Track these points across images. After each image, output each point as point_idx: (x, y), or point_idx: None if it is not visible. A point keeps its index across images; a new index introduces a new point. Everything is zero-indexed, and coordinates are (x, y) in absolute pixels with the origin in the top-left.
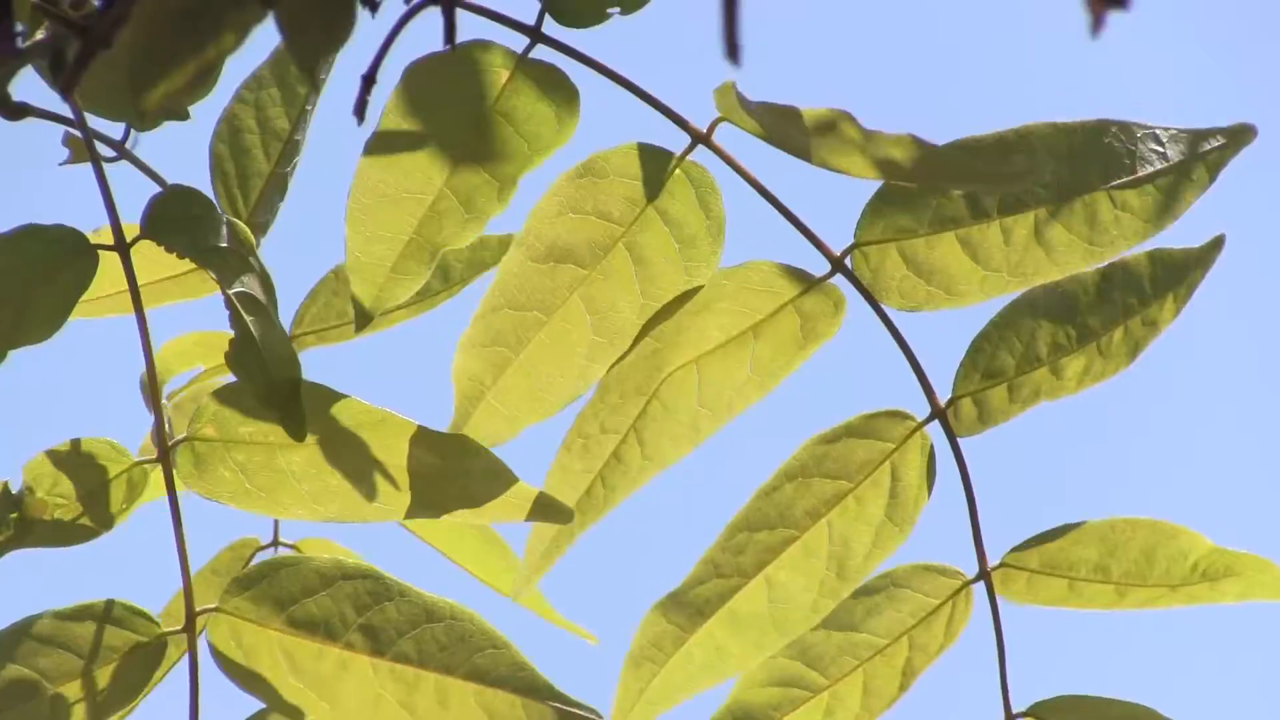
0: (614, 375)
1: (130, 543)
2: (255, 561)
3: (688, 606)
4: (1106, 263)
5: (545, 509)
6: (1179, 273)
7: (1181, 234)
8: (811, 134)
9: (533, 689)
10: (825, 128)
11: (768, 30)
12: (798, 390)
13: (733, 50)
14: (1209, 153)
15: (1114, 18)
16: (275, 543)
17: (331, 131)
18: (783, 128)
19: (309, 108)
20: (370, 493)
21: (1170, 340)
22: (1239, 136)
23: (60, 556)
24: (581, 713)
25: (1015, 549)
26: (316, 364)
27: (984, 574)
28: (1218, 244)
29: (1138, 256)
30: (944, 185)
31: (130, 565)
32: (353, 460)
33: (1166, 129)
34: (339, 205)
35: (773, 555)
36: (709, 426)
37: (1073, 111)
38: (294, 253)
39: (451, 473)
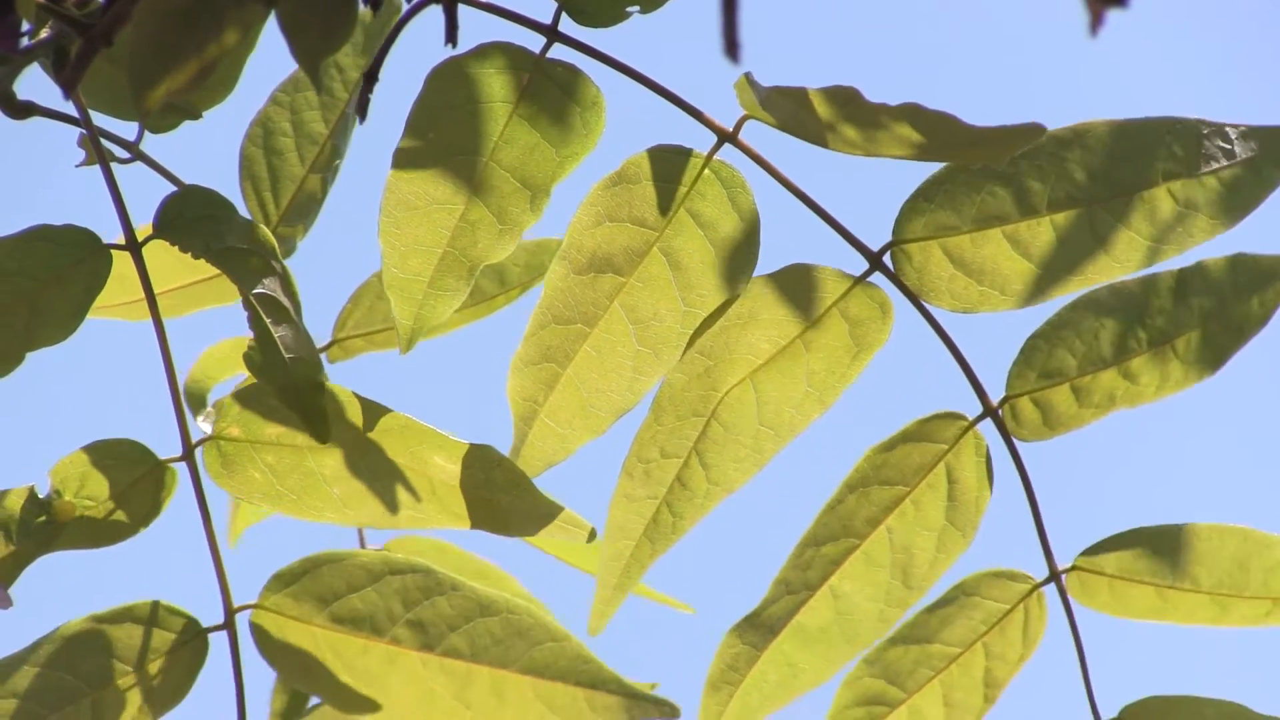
0: (667, 395)
1: (167, 544)
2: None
3: (761, 627)
4: (1179, 263)
5: (566, 525)
6: (1263, 279)
7: (1256, 236)
8: (823, 116)
9: (597, 681)
10: (834, 108)
11: (768, 30)
12: (849, 393)
13: (732, 48)
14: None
15: (1113, 16)
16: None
17: (382, 137)
18: (797, 114)
19: (349, 111)
20: (394, 499)
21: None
22: None
23: (94, 560)
24: (652, 703)
25: (1086, 551)
26: (368, 369)
27: (1054, 576)
28: None
29: (1216, 261)
30: (955, 159)
31: (166, 567)
32: (378, 466)
33: (1235, 125)
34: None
35: (836, 566)
36: (772, 446)
37: (1072, 111)
38: (339, 255)
39: (474, 483)
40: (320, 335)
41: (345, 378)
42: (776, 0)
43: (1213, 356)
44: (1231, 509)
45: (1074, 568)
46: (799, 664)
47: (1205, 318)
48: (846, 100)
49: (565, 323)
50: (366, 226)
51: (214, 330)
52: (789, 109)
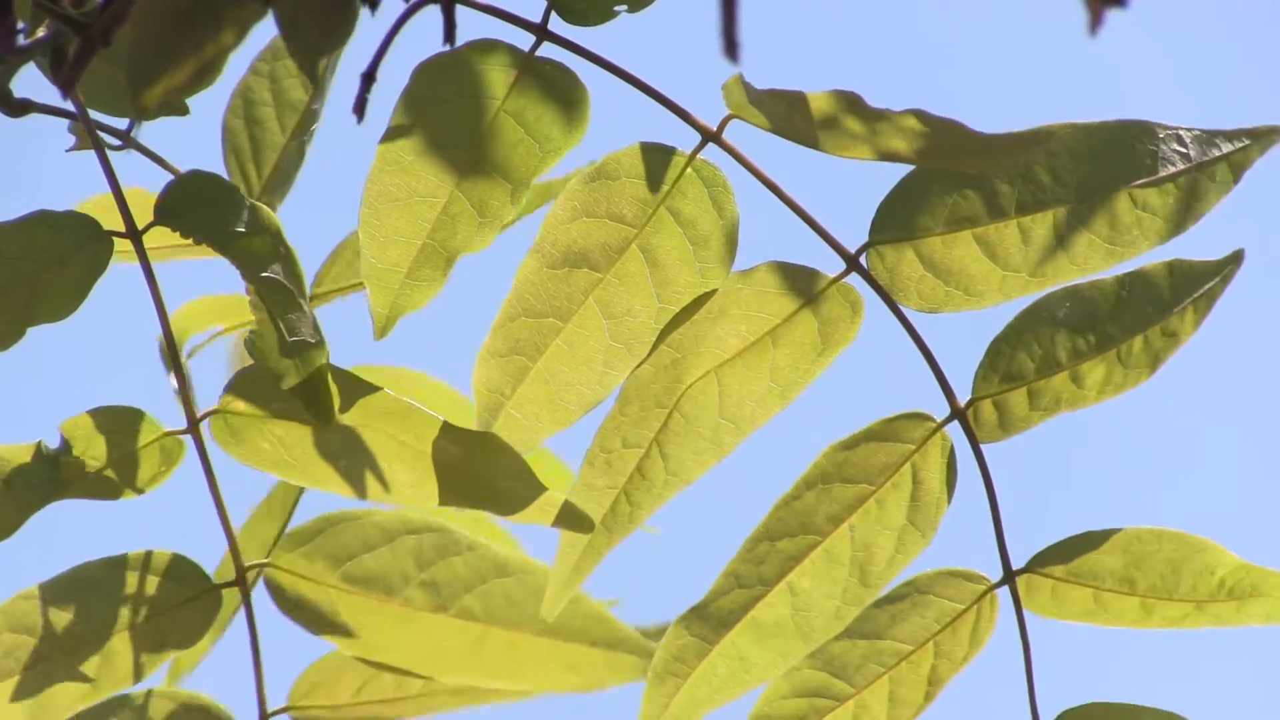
0: (633, 386)
1: (165, 507)
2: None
3: (710, 619)
4: (1128, 266)
5: (569, 517)
6: (1197, 284)
7: (1209, 237)
8: (819, 121)
9: (614, 641)
10: (833, 113)
11: (767, 28)
12: (814, 390)
13: (731, 48)
14: (1232, 153)
15: (1112, 16)
16: None
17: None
18: (790, 117)
19: (326, 74)
20: (396, 477)
21: (1193, 347)
22: (1264, 137)
23: (97, 521)
24: None
25: (1040, 554)
26: (343, 319)
27: (1009, 578)
28: (1237, 257)
29: (1156, 266)
30: (956, 165)
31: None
32: (382, 445)
33: (1190, 129)
34: (362, 169)
35: (795, 563)
36: (731, 440)
37: (1071, 109)
38: (316, 216)
39: (477, 466)
40: None
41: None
42: (776, 0)
43: (1150, 360)
44: (1185, 510)
45: (1026, 569)
46: (751, 658)
47: (1146, 322)
48: (849, 105)
49: (537, 316)
50: (341, 182)
51: (194, 282)
52: (783, 111)
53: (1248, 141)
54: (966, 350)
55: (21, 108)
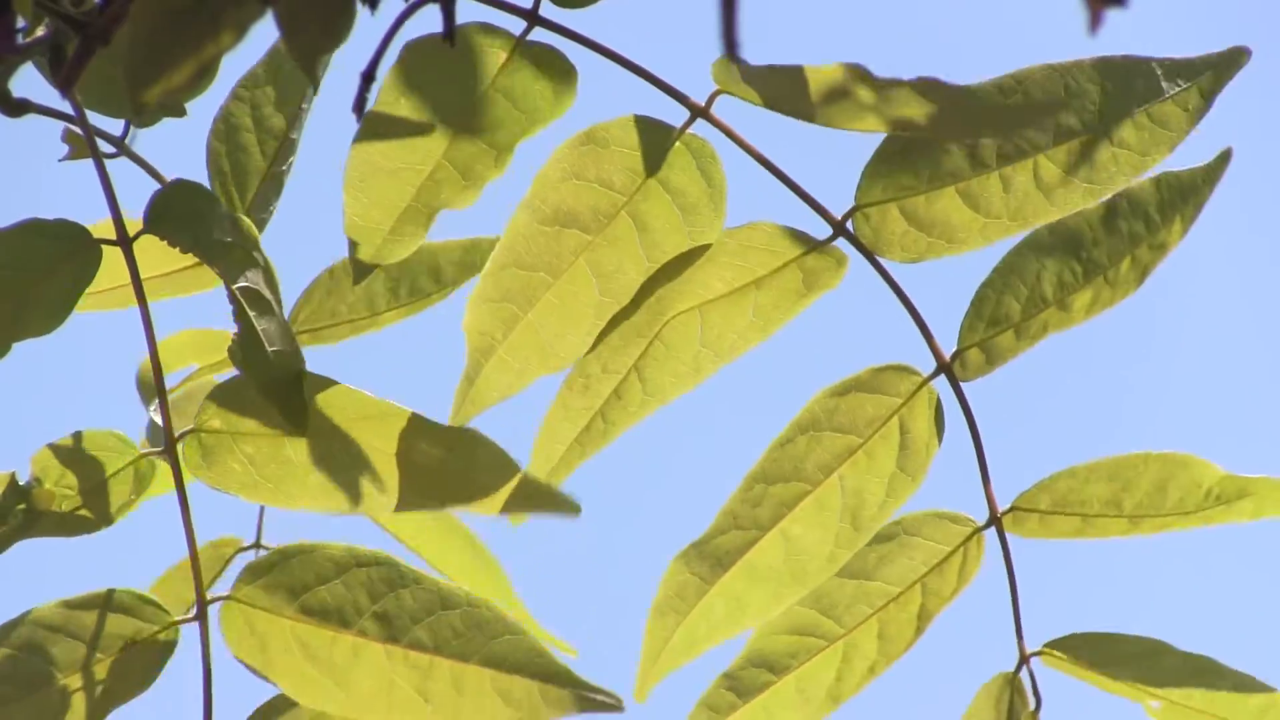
0: (616, 321)
1: (129, 535)
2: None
3: (709, 557)
4: (1109, 197)
5: (550, 500)
6: (1186, 193)
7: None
8: (817, 95)
9: (551, 675)
10: (835, 87)
11: (767, 25)
12: (808, 352)
13: (731, 45)
14: (1203, 79)
15: (1112, 15)
16: (257, 544)
17: (328, 128)
18: (785, 92)
19: (305, 106)
20: (373, 485)
21: (1179, 275)
22: (1232, 60)
23: (61, 549)
24: (600, 698)
25: (1025, 493)
26: (311, 363)
27: (995, 519)
28: (1225, 158)
29: (1143, 184)
30: (965, 136)
31: (130, 557)
32: (356, 452)
33: (1161, 60)
34: (334, 203)
35: (788, 509)
36: (710, 366)
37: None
38: (289, 251)
39: (456, 465)
40: None
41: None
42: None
43: (1138, 275)
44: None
45: (1012, 508)
46: (746, 599)
47: (1134, 241)
48: (857, 77)
49: (528, 269)
50: (319, 215)
51: (172, 319)
52: (778, 86)
53: (1218, 65)
54: (955, 302)
55: (20, 107)
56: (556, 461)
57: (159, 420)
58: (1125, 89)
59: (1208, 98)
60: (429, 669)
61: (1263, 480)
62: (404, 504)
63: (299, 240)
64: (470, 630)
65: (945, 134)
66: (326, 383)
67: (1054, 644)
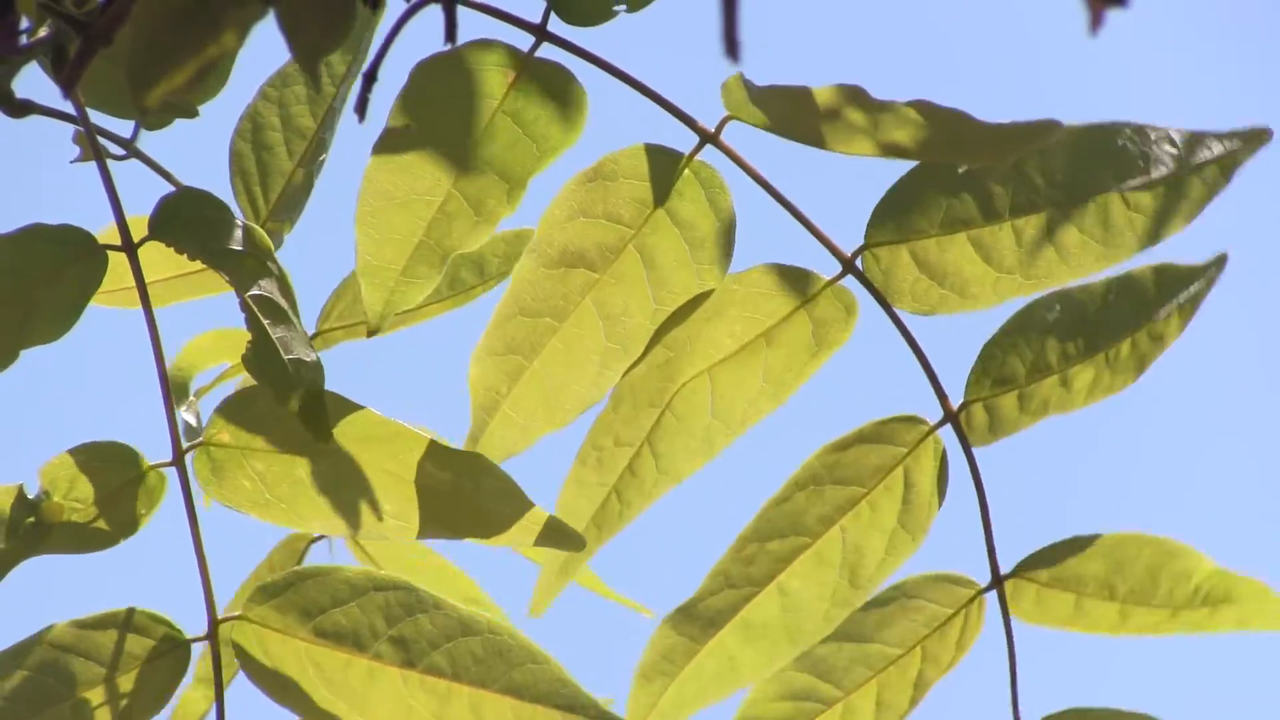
0: (627, 385)
1: (170, 549)
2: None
3: (699, 619)
4: (1120, 267)
5: (556, 534)
6: (1182, 286)
7: (1199, 239)
8: (821, 117)
9: (575, 705)
10: (835, 106)
11: (768, 28)
12: (808, 392)
13: (732, 48)
14: (1223, 154)
15: (1113, 15)
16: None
17: (366, 127)
18: (791, 115)
19: (336, 105)
20: (385, 508)
21: (1184, 347)
22: (1255, 138)
23: (85, 563)
24: None
25: (1026, 559)
26: (345, 358)
27: (997, 582)
28: (1220, 261)
29: (1143, 270)
30: (958, 160)
31: (149, 570)
32: (367, 474)
33: (1181, 131)
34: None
35: (785, 564)
36: (722, 439)
37: (1072, 109)
38: (322, 248)
39: (464, 490)
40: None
41: (326, 366)
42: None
43: (1137, 364)
44: (1171, 512)
45: (1014, 574)
46: (739, 659)
47: (1132, 325)
48: (852, 97)
49: (533, 315)
50: (348, 219)
51: (200, 319)
52: (784, 108)
53: (1239, 142)
54: (958, 352)
55: (23, 109)
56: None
57: (193, 422)
58: (1145, 154)
59: (1227, 173)
60: (447, 695)
61: (1250, 585)
62: (411, 529)
63: (334, 237)
64: (491, 657)
65: (937, 157)
66: (341, 402)
67: (1050, 719)
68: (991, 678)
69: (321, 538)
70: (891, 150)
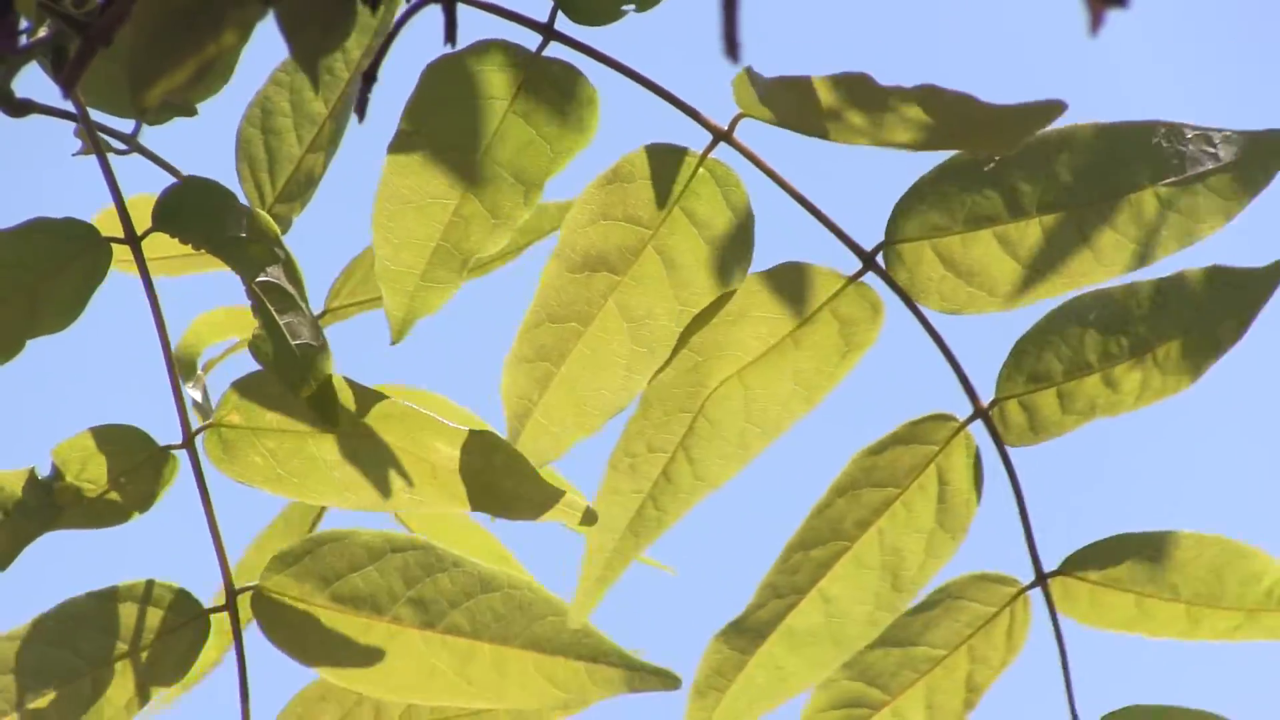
0: (656, 391)
1: (161, 524)
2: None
3: (748, 632)
4: (1157, 268)
5: (565, 507)
6: (1239, 292)
7: (1241, 239)
8: (827, 107)
9: (599, 654)
10: (841, 96)
11: (768, 28)
12: (836, 394)
13: (732, 48)
14: (1262, 153)
15: (1113, 16)
16: None
17: (378, 109)
18: (798, 108)
19: (350, 91)
20: (393, 484)
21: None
22: None
23: (92, 541)
24: (654, 676)
25: (1071, 556)
26: (357, 331)
27: (1040, 579)
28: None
29: (1194, 271)
30: (964, 147)
31: (162, 547)
32: (378, 451)
33: (1220, 130)
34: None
35: (825, 570)
36: (758, 444)
37: (1071, 111)
38: (332, 225)
39: (473, 466)
40: (312, 305)
41: (335, 341)
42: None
43: (1192, 367)
44: (1222, 516)
45: (1059, 572)
46: (787, 668)
47: (1185, 328)
48: (856, 85)
49: (560, 321)
50: (359, 196)
51: (208, 291)
52: (791, 102)
53: (1277, 141)
54: (992, 351)
55: (23, 108)
56: (610, 552)
57: (199, 399)
58: (1181, 153)
59: (1270, 173)
60: (469, 652)
61: None
62: (422, 504)
63: (343, 217)
64: (512, 612)
65: (943, 145)
66: (350, 383)
67: (1110, 717)
68: (1051, 679)
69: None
70: (898, 139)
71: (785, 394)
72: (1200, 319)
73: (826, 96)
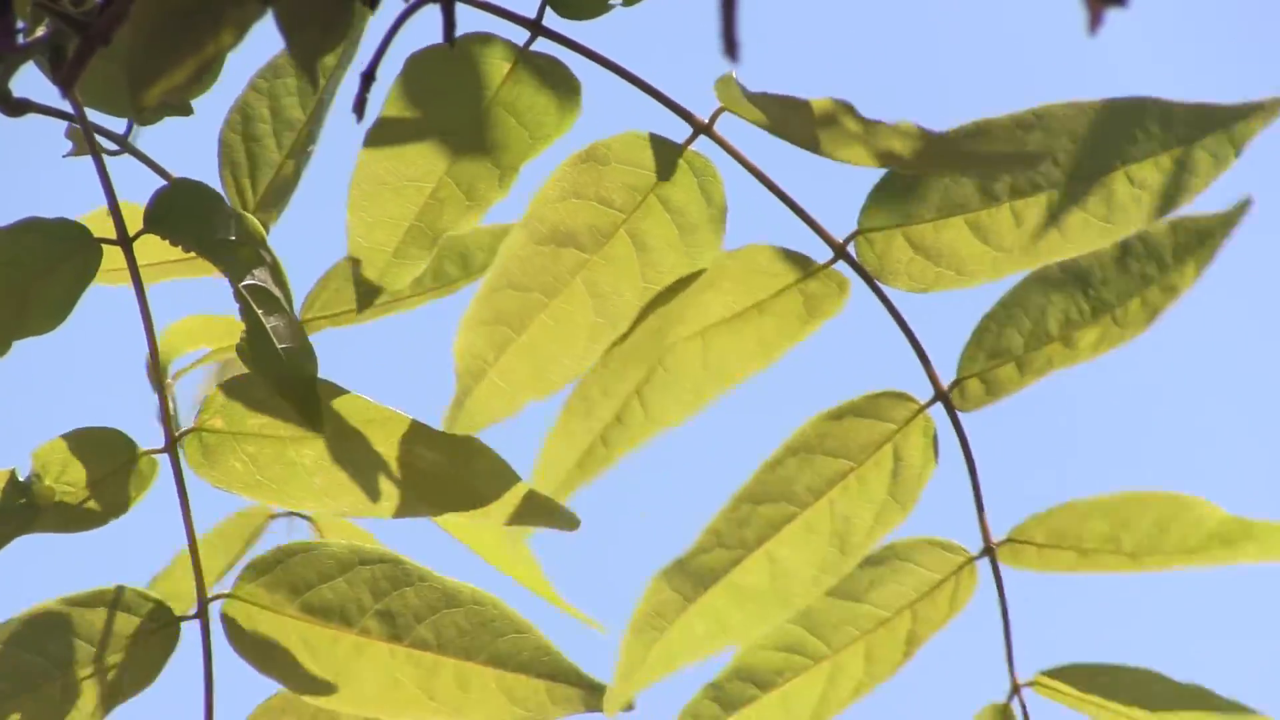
0: (617, 348)
1: (136, 528)
2: (269, 534)
3: (691, 575)
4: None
5: (547, 511)
6: (1201, 238)
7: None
8: (815, 124)
9: (558, 673)
10: (827, 118)
11: (767, 26)
12: (804, 377)
13: (731, 47)
14: (1232, 128)
15: (1112, 15)
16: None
17: (348, 120)
18: (786, 118)
19: (325, 98)
20: (374, 488)
21: (1186, 315)
22: (1267, 110)
23: (67, 543)
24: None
25: (1020, 525)
26: (328, 345)
27: (988, 549)
28: (1244, 206)
29: (1159, 226)
30: (951, 172)
31: (136, 551)
32: (359, 456)
33: (1188, 104)
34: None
35: (774, 530)
36: (712, 391)
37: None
38: (307, 239)
39: (455, 471)
40: None
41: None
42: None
43: (1147, 316)
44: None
45: (1007, 540)
46: (727, 619)
47: (1145, 281)
48: (841, 113)
49: (522, 289)
50: (333, 206)
51: (182, 300)
52: (778, 113)
53: (1250, 115)
54: (960, 330)
55: (20, 107)
56: (557, 485)
57: (170, 405)
58: (1149, 129)
59: (1238, 146)
60: (434, 667)
61: (1265, 525)
62: (404, 509)
63: (318, 227)
64: (475, 628)
65: (928, 169)
66: (330, 386)
67: (1047, 674)
68: (988, 637)
69: (285, 514)
70: (885, 159)
71: (745, 351)
72: (1160, 271)
73: (819, 114)
